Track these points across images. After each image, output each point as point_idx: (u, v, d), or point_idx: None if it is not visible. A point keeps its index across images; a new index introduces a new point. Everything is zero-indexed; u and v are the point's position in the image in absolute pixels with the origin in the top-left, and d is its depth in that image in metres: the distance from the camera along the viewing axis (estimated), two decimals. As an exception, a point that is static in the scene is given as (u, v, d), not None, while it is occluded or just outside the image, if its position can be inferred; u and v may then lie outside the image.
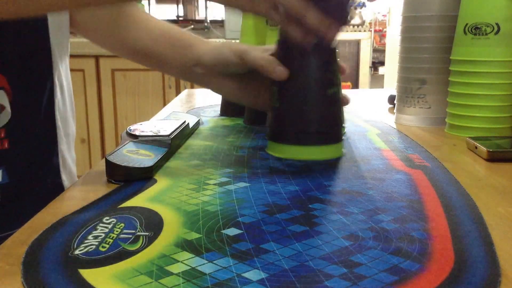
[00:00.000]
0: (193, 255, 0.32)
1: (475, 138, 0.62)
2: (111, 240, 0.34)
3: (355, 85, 3.20)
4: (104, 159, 0.49)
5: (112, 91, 2.64)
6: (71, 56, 0.72)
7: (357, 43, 3.22)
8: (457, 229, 0.36)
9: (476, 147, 0.59)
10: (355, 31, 3.19)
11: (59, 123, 0.64)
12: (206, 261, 0.31)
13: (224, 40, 2.86)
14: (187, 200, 0.43)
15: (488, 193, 0.46)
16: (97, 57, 2.59)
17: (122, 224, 0.37)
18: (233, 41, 2.47)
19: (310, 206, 0.41)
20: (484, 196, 0.45)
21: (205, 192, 0.45)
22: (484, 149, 0.57)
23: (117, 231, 0.36)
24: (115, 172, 0.48)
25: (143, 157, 0.51)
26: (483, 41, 0.68)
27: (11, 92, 0.57)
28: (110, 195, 0.44)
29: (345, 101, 0.59)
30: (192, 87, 2.63)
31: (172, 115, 0.81)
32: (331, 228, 0.36)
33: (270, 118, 0.58)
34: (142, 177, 0.49)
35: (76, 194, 0.47)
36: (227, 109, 0.85)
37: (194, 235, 0.35)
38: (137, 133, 0.59)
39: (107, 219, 0.38)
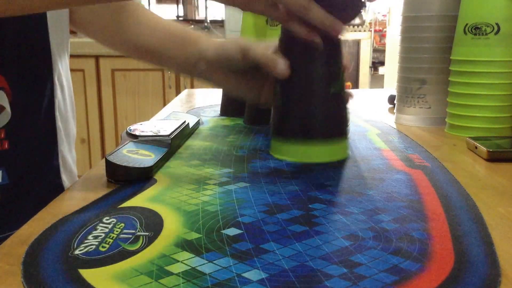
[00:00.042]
0: (193, 255, 0.32)
1: (475, 138, 0.62)
2: (111, 240, 0.34)
3: (355, 85, 3.20)
4: (104, 159, 0.49)
5: (112, 91, 2.64)
6: (71, 56, 0.72)
7: (357, 43, 3.22)
8: (457, 229, 0.36)
9: (476, 147, 0.59)
10: (355, 31, 3.19)
11: (59, 123, 0.64)
12: (206, 261, 0.31)
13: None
14: (187, 200, 0.43)
15: (488, 193, 0.46)
16: (97, 57, 2.59)
17: (122, 224, 0.37)
18: (233, 41, 2.46)
19: (310, 206, 0.41)
20: (484, 196, 0.45)
21: (205, 192, 0.45)
22: (484, 149, 0.57)
23: (117, 231, 0.36)
24: (115, 172, 0.48)
25: (143, 157, 0.51)
26: (483, 41, 0.68)
27: (11, 93, 0.57)
28: (110, 195, 0.44)
29: (348, 97, 0.58)
30: (192, 87, 2.63)
31: (172, 115, 0.81)
32: (331, 228, 0.36)
33: (274, 115, 0.58)
34: (142, 177, 0.49)
35: (76, 194, 0.46)
36: (227, 109, 0.85)
37: (194, 235, 0.35)
38: (137, 133, 0.59)
39: (107, 219, 0.38)
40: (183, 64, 0.66)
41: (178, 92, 2.58)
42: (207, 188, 0.46)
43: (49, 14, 0.60)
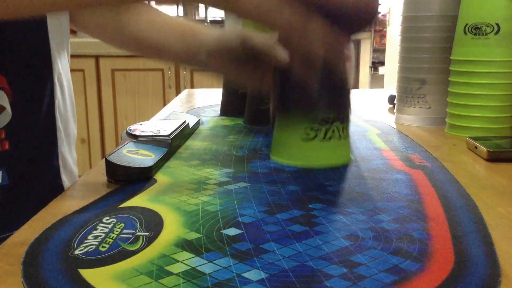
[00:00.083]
0: (193, 255, 0.32)
1: (475, 138, 0.62)
2: (111, 240, 0.34)
3: (355, 85, 3.20)
4: (104, 159, 0.49)
5: (112, 91, 2.64)
6: (71, 56, 0.72)
7: (357, 43, 3.22)
8: (457, 229, 0.36)
9: (476, 147, 0.59)
10: (355, 31, 3.18)
11: (59, 124, 0.64)
12: (206, 261, 0.31)
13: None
14: (187, 200, 0.43)
15: (488, 193, 0.46)
16: (97, 57, 2.59)
17: (122, 224, 0.37)
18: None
19: (310, 206, 0.41)
20: (484, 196, 0.45)
21: (205, 192, 0.45)
22: (484, 149, 0.57)
23: (117, 231, 0.36)
24: (115, 172, 0.48)
25: (143, 157, 0.51)
26: (483, 41, 0.68)
27: (11, 93, 0.57)
28: (110, 195, 0.44)
29: (348, 58, 0.53)
30: (192, 87, 2.63)
31: (172, 115, 0.81)
32: (331, 228, 0.36)
33: (273, 103, 0.57)
34: (142, 177, 0.49)
35: (76, 194, 0.46)
36: (227, 109, 0.85)
37: (194, 235, 0.35)
38: (137, 133, 0.59)
39: (107, 219, 0.38)
40: (184, 54, 0.66)
41: (178, 92, 2.58)
42: (207, 188, 0.46)
43: (49, 14, 0.60)
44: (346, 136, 0.55)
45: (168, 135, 0.58)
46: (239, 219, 0.38)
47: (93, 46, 2.52)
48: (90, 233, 0.35)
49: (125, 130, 0.61)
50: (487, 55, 0.68)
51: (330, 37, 0.42)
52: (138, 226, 0.36)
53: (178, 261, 0.31)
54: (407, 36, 0.79)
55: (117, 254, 0.32)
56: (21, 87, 0.58)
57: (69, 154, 0.68)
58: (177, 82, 2.66)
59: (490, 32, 0.67)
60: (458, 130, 0.72)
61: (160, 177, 0.49)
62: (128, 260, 0.31)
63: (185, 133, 0.66)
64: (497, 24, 0.67)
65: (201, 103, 1.04)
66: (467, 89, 0.70)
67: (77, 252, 0.32)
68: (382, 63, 3.33)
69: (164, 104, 2.44)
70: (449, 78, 0.73)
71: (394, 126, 0.79)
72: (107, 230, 0.36)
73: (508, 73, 0.68)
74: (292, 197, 0.43)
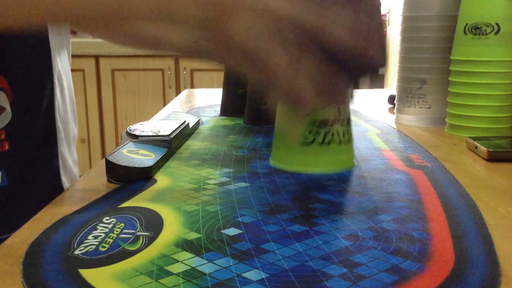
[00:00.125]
0: (193, 255, 0.32)
1: (475, 138, 0.62)
2: (111, 240, 0.34)
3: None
4: (104, 159, 0.49)
5: (112, 91, 2.65)
6: (71, 56, 0.72)
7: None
8: (457, 229, 0.36)
9: (476, 147, 0.59)
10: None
11: (59, 124, 0.64)
12: (206, 261, 0.31)
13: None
14: (187, 200, 0.43)
15: (488, 193, 0.46)
16: (97, 57, 2.59)
17: (122, 224, 0.37)
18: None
19: (310, 206, 0.41)
20: (484, 196, 0.45)
21: (205, 192, 0.45)
22: (484, 149, 0.57)
23: (117, 231, 0.36)
24: (115, 172, 0.48)
25: (143, 157, 0.51)
26: (483, 41, 0.68)
27: (11, 93, 0.57)
28: (110, 195, 0.44)
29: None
30: (192, 87, 2.63)
31: (172, 115, 0.81)
32: (331, 228, 0.36)
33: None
34: (142, 177, 0.49)
35: (76, 194, 0.46)
36: (227, 109, 0.85)
37: (194, 235, 0.35)
38: (137, 133, 0.59)
39: (107, 219, 0.38)
40: (183, 44, 0.65)
41: (178, 92, 2.58)
42: (207, 188, 0.46)
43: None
44: (348, 140, 0.52)
45: (168, 135, 0.58)
46: (239, 219, 0.38)
47: (93, 46, 2.52)
48: (90, 233, 0.35)
49: (125, 130, 0.61)
50: (487, 55, 0.68)
51: (324, 82, 0.35)
52: (138, 226, 0.36)
53: (178, 261, 0.31)
54: (407, 36, 0.79)
55: (117, 254, 0.32)
56: (21, 87, 0.58)
57: (69, 154, 0.68)
58: (177, 82, 2.66)
59: (490, 32, 0.67)
60: (458, 130, 0.72)
61: (160, 177, 0.49)
62: (128, 260, 0.31)
63: (185, 133, 0.66)
64: (497, 24, 0.67)
65: (201, 103, 1.04)
66: (467, 89, 0.70)
67: (77, 252, 0.32)
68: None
69: (164, 104, 2.44)
70: (449, 78, 0.73)
71: (394, 126, 0.79)
72: (107, 230, 0.36)
73: (508, 73, 0.68)
74: (292, 197, 0.43)
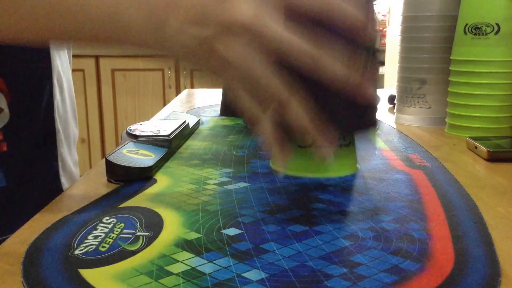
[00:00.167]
0: (193, 255, 0.32)
1: (475, 138, 0.62)
2: (111, 240, 0.34)
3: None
4: (104, 159, 0.49)
5: (112, 91, 2.65)
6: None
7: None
8: (457, 229, 0.36)
9: (476, 147, 0.59)
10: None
11: (58, 125, 0.64)
12: (206, 261, 0.31)
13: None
14: (187, 200, 0.43)
15: (488, 193, 0.46)
16: (97, 57, 2.59)
17: (122, 224, 0.37)
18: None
19: (310, 206, 0.41)
20: (484, 196, 0.45)
21: (205, 192, 0.45)
22: (484, 149, 0.57)
23: (117, 231, 0.36)
24: (115, 172, 0.48)
25: (143, 157, 0.51)
26: (483, 41, 0.68)
27: (9, 94, 0.57)
28: (110, 195, 0.44)
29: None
30: (192, 87, 2.63)
31: (172, 115, 0.81)
32: (331, 228, 0.36)
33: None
34: (142, 177, 0.49)
35: (76, 194, 0.46)
36: (227, 109, 0.85)
37: (194, 235, 0.35)
38: (137, 133, 0.59)
39: (107, 219, 0.38)
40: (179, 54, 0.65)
41: (178, 92, 2.58)
42: (207, 188, 0.46)
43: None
44: (349, 143, 0.49)
45: (168, 135, 0.58)
46: (239, 219, 0.38)
47: (93, 46, 2.52)
48: (90, 233, 0.35)
49: (125, 130, 0.61)
50: (487, 55, 0.68)
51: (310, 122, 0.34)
52: (138, 226, 0.36)
53: (178, 261, 0.31)
54: (407, 36, 0.79)
55: (117, 254, 0.32)
56: (19, 88, 0.58)
57: (69, 156, 0.67)
58: (177, 82, 2.66)
59: (490, 32, 0.67)
60: (458, 130, 0.72)
61: (160, 177, 0.49)
62: (128, 260, 0.31)
63: (185, 133, 0.66)
64: (497, 24, 0.67)
65: (201, 103, 1.04)
66: (467, 89, 0.70)
67: (77, 252, 0.32)
68: (382, 63, 3.33)
69: (164, 104, 2.44)
70: (449, 78, 0.73)
71: (394, 126, 0.79)
72: (107, 230, 0.36)
73: (508, 73, 0.68)
74: (292, 197, 0.43)
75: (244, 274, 0.29)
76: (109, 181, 0.49)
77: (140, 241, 0.34)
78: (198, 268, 0.30)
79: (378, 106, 0.38)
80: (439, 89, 0.77)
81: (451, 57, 0.72)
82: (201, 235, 0.35)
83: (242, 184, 0.47)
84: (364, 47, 0.35)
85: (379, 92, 0.39)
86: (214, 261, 0.31)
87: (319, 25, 0.33)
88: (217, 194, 0.44)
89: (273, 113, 0.35)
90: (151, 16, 0.35)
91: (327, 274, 0.29)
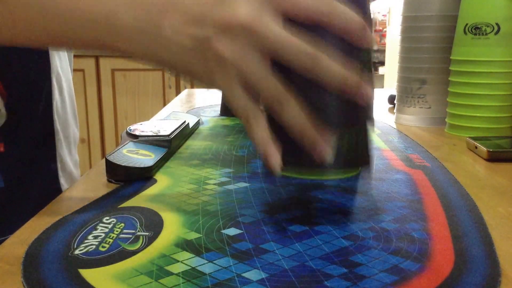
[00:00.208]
0: (193, 255, 0.32)
1: (475, 138, 0.62)
2: (111, 240, 0.34)
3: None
4: (104, 159, 0.49)
5: (112, 91, 2.65)
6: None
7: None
8: (457, 229, 0.36)
9: (476, 147, 0.59)
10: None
11: (57, 126, 0.63)
12: (206, 261, 0.31)
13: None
14: (187, 200, 0.43)
15: (488, 193, 0.46)
16: (97, 57, 2.59)
17: (122, 224, 0.37)
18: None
19: (310, 206, 0.41)
20: (484, 196, 0.45)
21: (205, 192, 0.45)
22: (484, 149, 0.57)
23: (117, 231, 0.36)
24: (115, 172, 0.48)
25: (143, 157, 0.51)
26: (483, 41, 0.68)
27: (6, 94, 0.56)
28: (110, 195, 0.44)
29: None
30: (192, 87, 2.63)
31: (172, 115, 0.81)
32: (331, 228, 0.36)
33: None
34: (142, 177, 0.48)
35: (76, 194, 0.46)
36: (227, 109, 0.85)
37: (194, 235, 0.35)
38: (137, 133, 0.59)
39: (107, 219, 0.38)
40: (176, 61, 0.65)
41: (178, 92, 2.58)
42: (207, 188, 0.46)
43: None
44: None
45: (168, 135, 0.58)
46: (239, 219, 0.38)
47: (90, 52, 2.52)
48: (90, 233, 0.35)
49: (125, 130, 0.61)
50: (487, 55, 0.68)
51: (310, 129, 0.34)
52: (138, 226, 0.36)
53: (178, 261, 0.31)
54: (407, 36, 0.79)
55: (117, 254, 0.32)
56: (17, 88, 0.58)
57: (69, 156, 0.67)
58: (177, 82, 2.66)
59: (490, 32, 0.67)
60: (458, 130, 0.72)
61: (160, 177, 0.49)
62: (128, 260, 0.31)
63: (185, 133, 0.66)
64: (497, 24, 0.67)
65: (201, 103, 1.04)
66: (467, 89, 0.70)
67: (77, 252, 0.32)
68: (382, 63, 3.32)
69: (164, 104, 2.44)
70: (449, 78, 0.73)
71: (394, 126, 0.79)
72: (107, 230, 0.36)
73: (508, 73, 0.68)
74: (292, 197, 0.43)
75: (244, 274, 0.29)
76: (109, 181, 0.49)
77: (140, 241, 0.34)
78: (198, 268, 0.30)
79: (374, 104, 0.38)
80: (439, 89, 0.77)
81: (451, 57, 0.72)
82: (201, 235, 0.35)
83: (242, 184, 0.47)
84: (362, 47, 0.35)
85: (376, 92, 0.39)
86: (214, 261, 0.31)
87: (317, 26, 0.33)
88: (217, 194, 0.44)
89: (269, 113, 0.35)
90: (148, 16, 0.35)
91: (327, 274, 0.29)
